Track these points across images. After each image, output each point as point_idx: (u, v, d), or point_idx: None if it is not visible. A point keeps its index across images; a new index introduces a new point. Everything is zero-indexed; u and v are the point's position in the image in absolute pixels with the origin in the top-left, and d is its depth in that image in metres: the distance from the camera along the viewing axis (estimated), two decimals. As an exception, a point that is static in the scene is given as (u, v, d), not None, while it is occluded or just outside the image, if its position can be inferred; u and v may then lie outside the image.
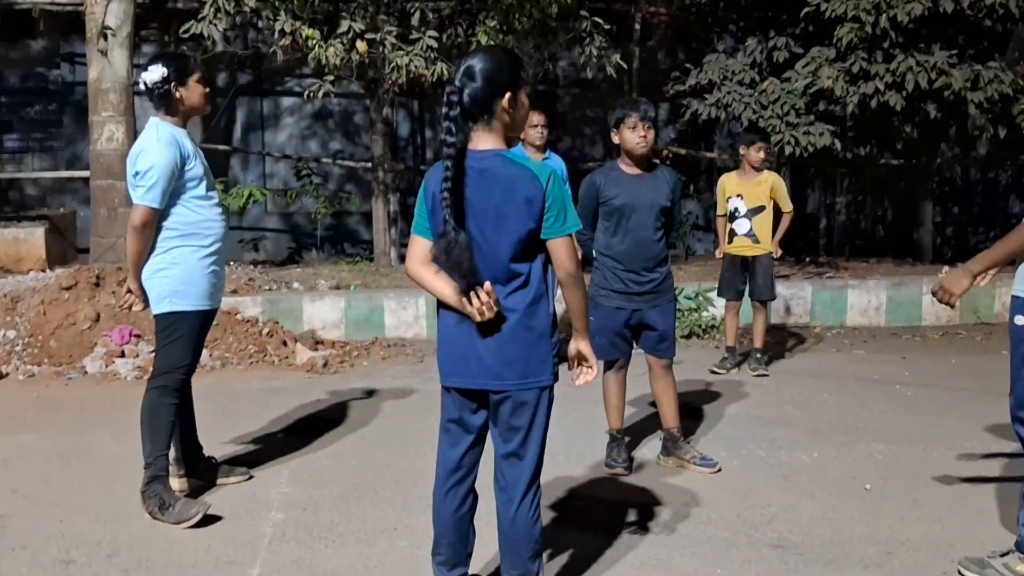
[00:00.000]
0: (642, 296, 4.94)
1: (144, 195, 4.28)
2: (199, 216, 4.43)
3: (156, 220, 4.34)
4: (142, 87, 4.47)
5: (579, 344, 3.24)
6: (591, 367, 3.26)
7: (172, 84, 4.42)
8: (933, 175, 12.67)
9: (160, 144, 4.31)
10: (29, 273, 9.67)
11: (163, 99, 4.45)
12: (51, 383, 7.17)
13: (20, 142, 13.89)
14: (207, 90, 4.57)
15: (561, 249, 3.11)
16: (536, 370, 3.15)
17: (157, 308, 4.42)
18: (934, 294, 3.84)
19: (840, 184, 13.48)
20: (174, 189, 4.35)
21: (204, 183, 4.47)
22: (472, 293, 3.04)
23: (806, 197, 14.23)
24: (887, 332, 9.11)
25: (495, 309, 3.06)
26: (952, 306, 3.79)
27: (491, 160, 3.08)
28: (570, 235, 3.12)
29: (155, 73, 4.41)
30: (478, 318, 3.06)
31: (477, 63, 3.09)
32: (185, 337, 4.43)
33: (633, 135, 4.88)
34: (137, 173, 4.32)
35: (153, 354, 4.75)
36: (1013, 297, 3.67)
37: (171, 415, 4.43)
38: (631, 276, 4.92)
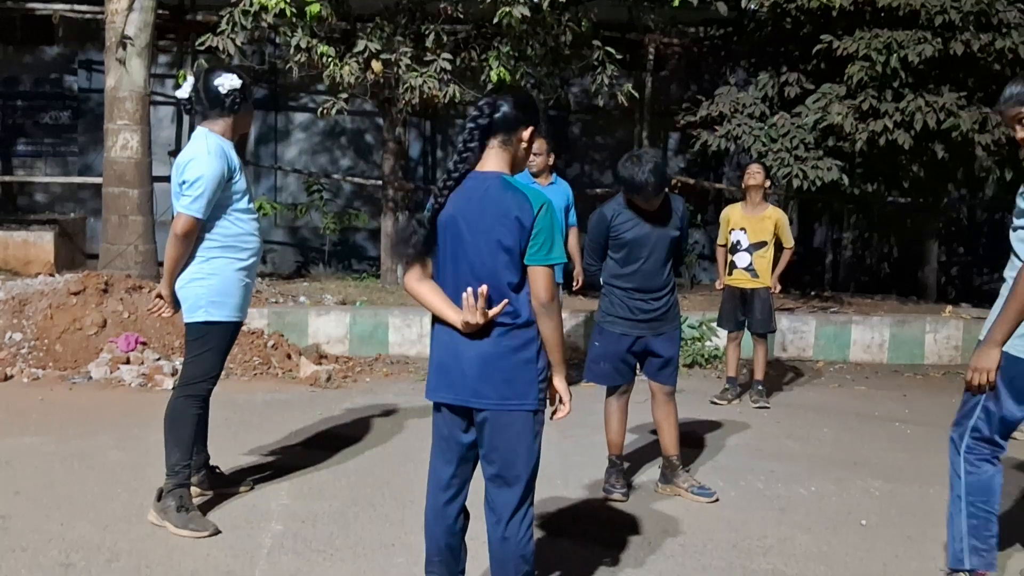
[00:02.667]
0: (648, 323, 4.97)
1: (190, 205, 4.32)
2: (240, 229, 4.47)
3: (198, 230, 4.38)
4: (215, 91, 4.46)
5: (554, 379, 3.27)
6: (564, 403, 3.29)
7: (242, 99, 4.48)
8: (939, 214, 12.72)
9: (210, 155, 4.34)
10: (37, 277, 9.71)
11: (225, 106, 4.46)
12: (55, 387, 7.21)
13: (32, 147, 13.99)
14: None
15: (539, 278, 3.16)
16: (519, 393, 3.18)
17: (191, 317, 4.44)
18: (970, 384, 3.72)
19: (847, 220, 13.54)
20: (219, 201, 4.39)
21: (247, 197, 4.52)
22: (466, 294, 3.09)
23: (813, 232, 14.29)
24: (889, 369, 9.13)
25: (487, 314, 3.10)
26: (993, 384, 3.66)
27: (491, 182, 3.18)
28: (551, 266, 3.17)
29: (233, 81, 4.45)
30: (471, 319, 3.10)
31: (511, 95, 3.27)
32: (217, 347, 4.48)
33: (644, 203, 4.93)
34: (184, 182, 4.34)
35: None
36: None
37: (196, 424, 4.48)
38: (638, 304, 4.95)
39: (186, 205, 4.33)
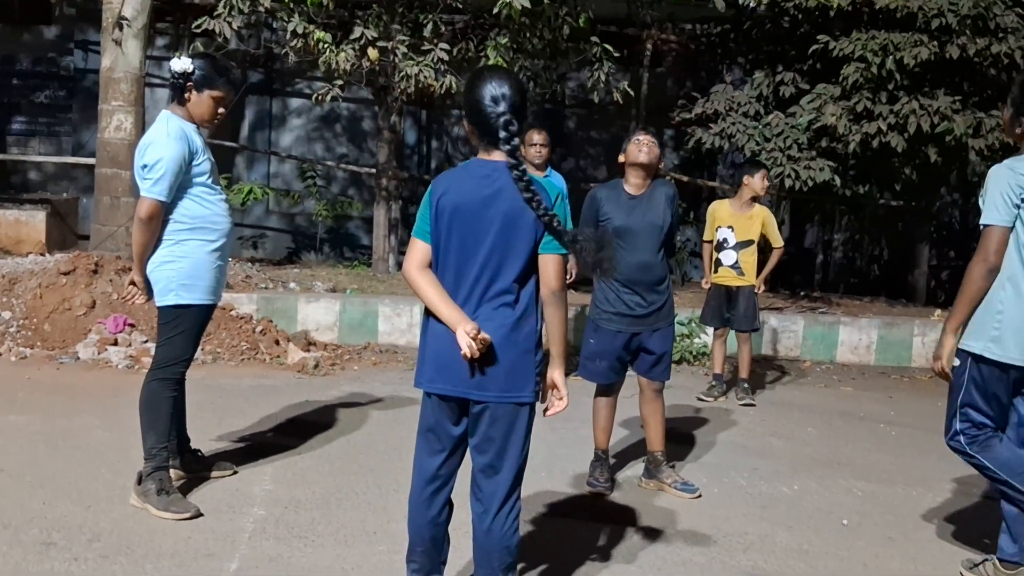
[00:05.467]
0: (644, 319, 4.95)
1: (151, 188, 4.31)
2: (207, 210, 4.46)
3: (162, 213, 4.37)
4: (169, 72, 4.48)
5: (553, 372, 3.25)
6: (562, 398, 3.27)
7: (188, 83, 4.46)
8: (931, 218, 12.76)
9: (169, 138, 4.34)
10: (28, 256, 9.72)
11: (175, 91, 4.49)
12: (43, 366, 7.21)
13: (27, 125, 13.96)
14: (220, 110, 4.53)
15: (551, 265, 3.16)
16: (518, 385, 3.17)
17: (162, 300, 4.43)
18: (937, 374, 4.05)
19: (839, 221, 13.57)
20: (182, 183, 4.38)
21: (212, 178, 4.51)
22: (463, 332, 3.06)
23: (804, 232, 14.31)
24: (876, 371, 9.16)
25: (483, 347, 3.08)
26: (948, 373, 3.98)
27: (503, 172, 3.13)
28: (563, 255, 3.18)
29: (180, 65, 4.44)
30: (468, 353, 3.07)
31: (515, 89, 3.17)
32: (188, 331, 4.47)
33: (635, 147, 4.97)
34: (145, 166, 4.35)
35: (149, 345, 4.77)
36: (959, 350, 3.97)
37: (170, 407, 4.48)
38: (634, 298, 4.93)
39: (147, 188, 4.32)
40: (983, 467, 3.98)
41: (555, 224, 3.08)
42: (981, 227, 3.85)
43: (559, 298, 3.18)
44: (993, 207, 3.78)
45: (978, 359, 3.89)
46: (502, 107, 3.12)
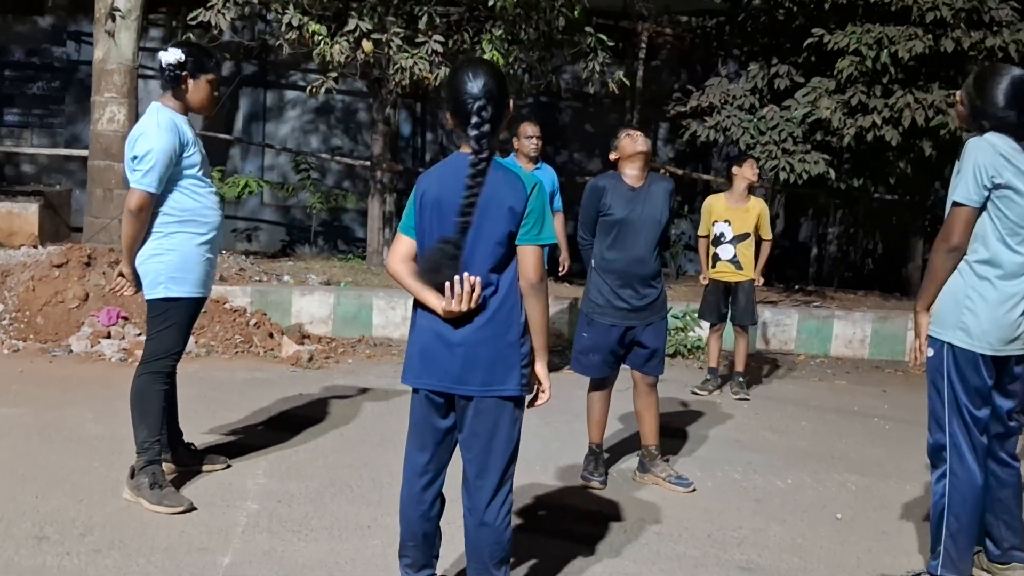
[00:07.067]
0: (637, 313, 4.94)
1: (141, 179, 4.30)
2: (197, 203, 4.45)
3: (152, 205, 4.35)
4: (158, 65, 4.48)
5: (536, 365, 3.24)
6: (544, 391, 3.28)
7: (184, 72, 4.44)
8: (926, 212, 12.76)
9: (160, 129, 4.33)
10: (20, 248, 9.67)
11: (171, 82, 4.47)
12: (36, 359, 7.18)
13: (20, 117, 13.89)
14: (214, 94, 4.55)
15: (529, 257, 3.14)
16: (501, 378, 3.16)
17: (151, 293, 4.42)
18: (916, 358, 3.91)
19: (833, 215, 13.58)
20: (172, 175, 4.36)
21: (202, 170, 4.50)
22: (455, 281, 3.06)
23: (799, 226, 14.31)
24: (870, 365, 9.17)
25: (474, 301, 3.08)
26: (923, 350, 3.84)
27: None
28: (541, 247, 3.16)
29: (174, 55, 4.42)
30: (456, 307, 3.07)
31: (490, 77, 3.14)
32: (178, 324, 4.45)
33: (629, 139, 4.98)
34: (135, 157, 4.33)
35: (143, 338, 4.75)
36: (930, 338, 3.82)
37: (161, 400, 4.46)
38: (628, 292, 4.92)
39: (138, 180, 4.30)
40: (943, 495, 3.79)
41: (460, 220, 3.04)
42: (950, 203, 3.70)
43: (538, 290, 3.17)
44: (965, 185, 3.63)
45: (951, 348, 3.71)
46: (478, 97, 3.09)
